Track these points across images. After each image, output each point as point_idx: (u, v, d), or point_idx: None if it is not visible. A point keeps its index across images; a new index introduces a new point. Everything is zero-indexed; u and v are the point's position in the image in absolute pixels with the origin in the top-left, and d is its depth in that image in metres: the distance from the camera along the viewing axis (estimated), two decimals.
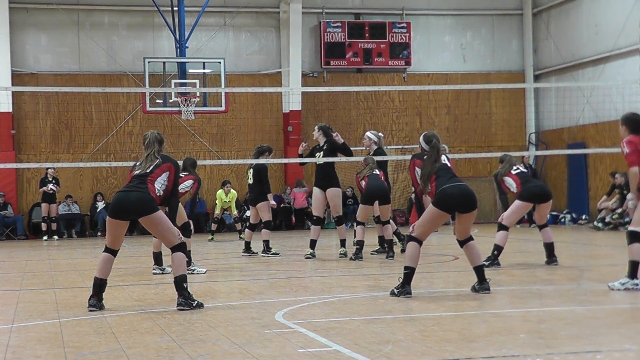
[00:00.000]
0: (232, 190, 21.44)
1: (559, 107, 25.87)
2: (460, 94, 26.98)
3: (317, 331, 6.65)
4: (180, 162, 12.59)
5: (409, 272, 8.70)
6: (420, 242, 8.77)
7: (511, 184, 11.93)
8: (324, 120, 23.93)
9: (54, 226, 23.05)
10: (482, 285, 8.92)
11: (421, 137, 9.14)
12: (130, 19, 25.63)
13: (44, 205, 22.78)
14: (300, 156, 14.85)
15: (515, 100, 27.57)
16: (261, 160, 14.87)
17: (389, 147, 25.89)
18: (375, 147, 14.62)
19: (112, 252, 8.33)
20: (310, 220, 18.00)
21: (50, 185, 22.70)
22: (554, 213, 24.75)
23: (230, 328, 6.98)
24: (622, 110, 22.95)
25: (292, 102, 25.30)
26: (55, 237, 22.94)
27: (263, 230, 14.80)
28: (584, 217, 23.81)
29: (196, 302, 8.19)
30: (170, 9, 23.37)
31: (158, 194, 8.33)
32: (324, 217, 17.60)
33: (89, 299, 8.32)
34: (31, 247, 20.00)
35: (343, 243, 14.17)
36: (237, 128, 25.87)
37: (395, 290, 8.73)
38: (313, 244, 14.08)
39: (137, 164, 8.57)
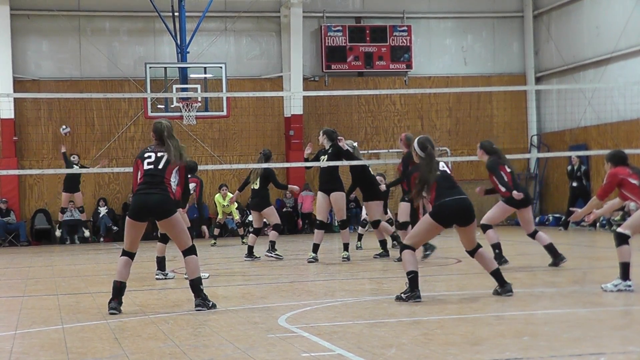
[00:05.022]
0: (228, 194, 21.46)
1: (560, 109, 25.84)
2: (462, 96, 26.96)
3: (320, 335, 6.65)
4: None
5: (414, 276, 8.54)
6: (414, 250, 8.73)
7: (503, 177, 11.78)
8: (326, 124, 23.94)
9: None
10: (504, 287, 8.78)
11: (415, 143, 8.83)
12: (131, 25, 25.65)
13: (64, 195, 20.98)
14: (307, 160, 14.83)
15: (517, 103, 27.57)
16: (264, 165, 14.88)
17: (390, 150, 25.95)
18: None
19: (130, 255, 8.43)
20: (314, 225, 17.97)
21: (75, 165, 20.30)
22: (557, 215, 24.75)
23: (234, 333, 6.98)
24: (624, 112, 23.04)
25: (294, 106, 25.32)
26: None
27: (272, 231, 14.91)
28: (586, 219, 23.76)
29: (211, 302, 8.40)
30: (171, 14, 23.38)
31: (174, 191, 8.43)
32: (328, 221, 17.45)
33: (109, 302, 8.39)
34: (34, 254, 20.00)
35: (346, 247, 14.17)
36: (239, 133, 25.86)
37: (403, 295, 8.54)
38: (316, 248, 14.08)
39: (149, 154, 8.39)
